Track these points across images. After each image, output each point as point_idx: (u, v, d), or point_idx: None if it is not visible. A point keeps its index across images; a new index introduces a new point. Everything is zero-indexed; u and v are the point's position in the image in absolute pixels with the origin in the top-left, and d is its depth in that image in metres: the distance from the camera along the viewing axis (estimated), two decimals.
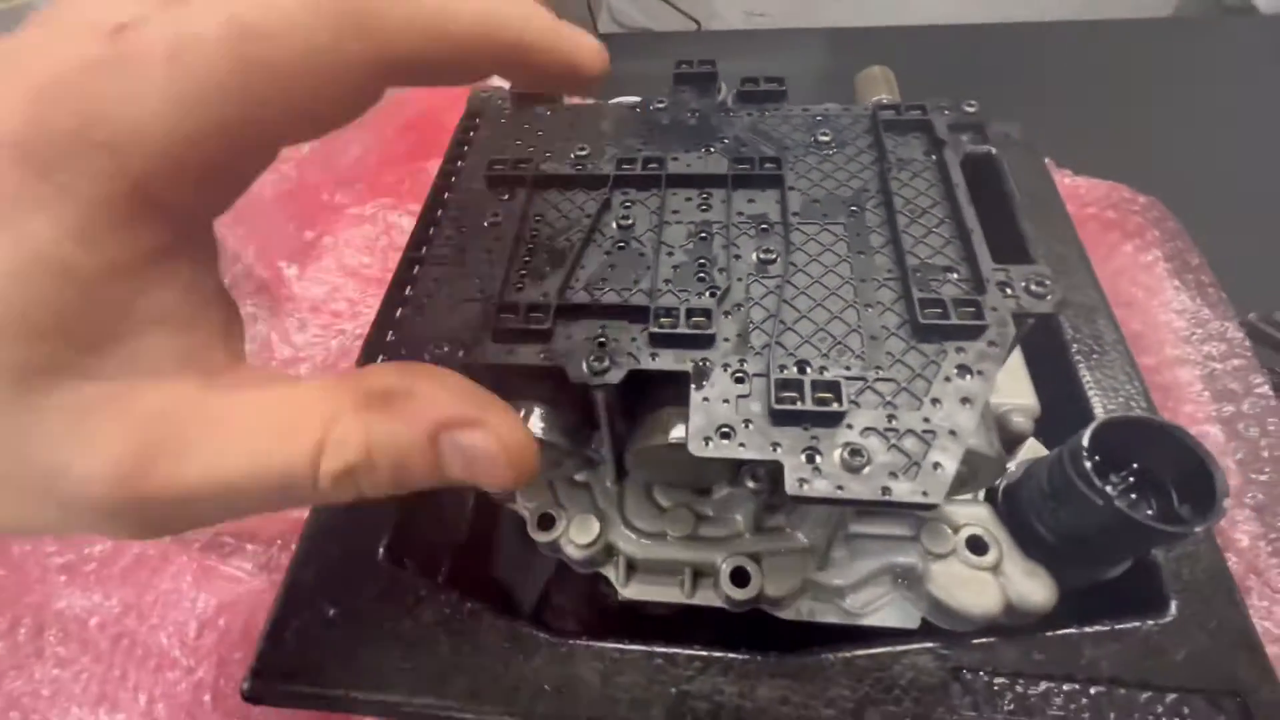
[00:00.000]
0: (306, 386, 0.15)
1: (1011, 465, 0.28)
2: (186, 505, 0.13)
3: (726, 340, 0.23)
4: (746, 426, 0.21)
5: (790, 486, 0.20)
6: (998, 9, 0.74)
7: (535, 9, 0.15)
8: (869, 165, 0.29)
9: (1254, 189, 0.51)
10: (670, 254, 0.26)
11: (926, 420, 0.21)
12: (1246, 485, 0.38)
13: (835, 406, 0.21)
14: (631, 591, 0.27)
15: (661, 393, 0.24)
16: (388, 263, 0.50)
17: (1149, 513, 0.23)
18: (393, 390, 0.15)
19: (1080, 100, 0.61)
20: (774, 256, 0.25)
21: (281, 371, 0.14)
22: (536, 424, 0.24)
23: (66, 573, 0.36)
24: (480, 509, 0.37)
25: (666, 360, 0.23)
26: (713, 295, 0.24)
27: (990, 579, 0.24)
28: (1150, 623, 0.25)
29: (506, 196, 0.29)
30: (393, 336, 0.25)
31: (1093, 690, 0.24)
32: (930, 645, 0.25)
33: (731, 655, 0.25)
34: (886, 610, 0.26)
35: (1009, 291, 0.23)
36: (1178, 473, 0.23)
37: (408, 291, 0.26)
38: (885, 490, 0.19)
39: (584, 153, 0.30)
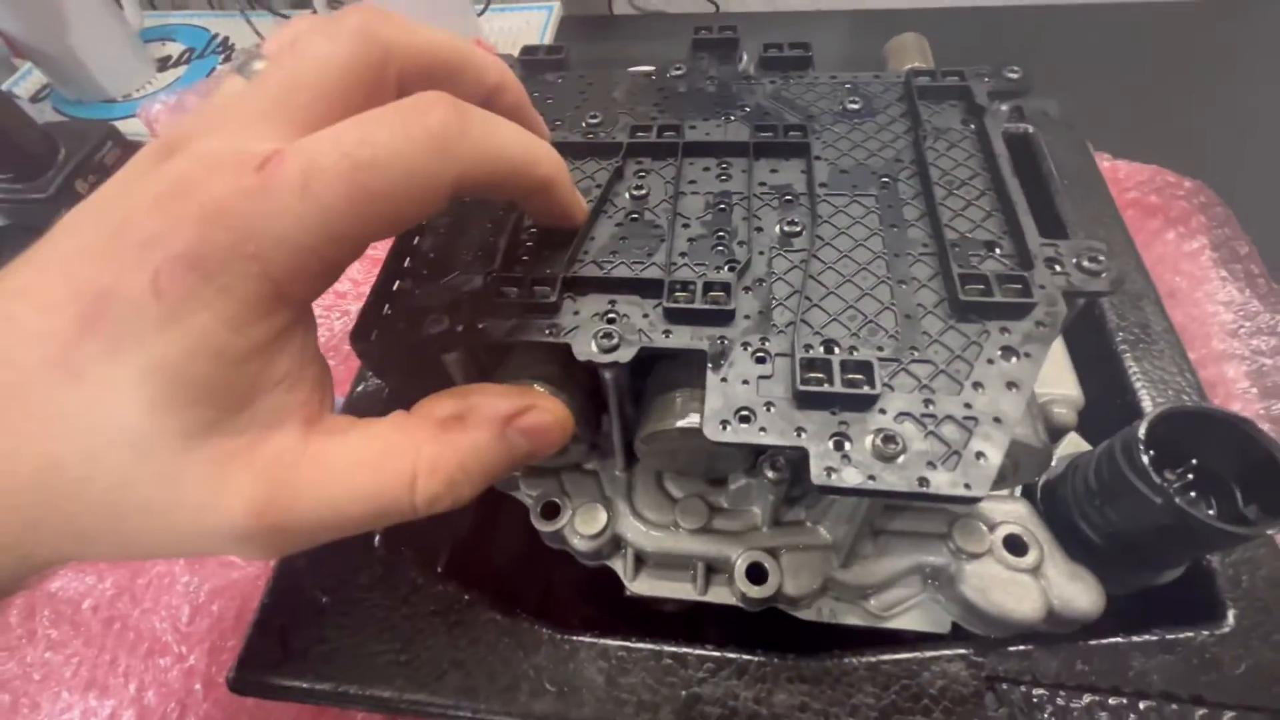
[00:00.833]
0: (382, 427, 0.18)
1: (1052, 460, 0.26)
2: (303, 532, 0.16)
3: (747, 317, 0.21)
4: (768, 410, 0.19)
5: (817, 476, 0.18)
6: None
7: (559, 159, 0.20)
8: (902, 134, 0.26)
9: None
10: (686, 226, 0.24)
11: (968, 405, 0.19)
12: None
13: (867, 389, 0.19)
14: (640, 587, 0.26)
15: (675, 374, 0.22)
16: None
17: (1210, 513, 0.21)
18: (456, 412, 0.18)
19: (1122, 83, 0.58)
20: (799, 229, 0.23)
21: (355, 418, 0.18)
22: None
23: None
24: (484, 497, 0.35)
25: (681, 338, 0.21)
26: (732, 269, 0.22)
27: (1030, 581, 0.22)
28: (1205, 633, 0.23)
29: None
30: (389, 310, 0.23)
31: (1142, 705, 0.22)
32: (963, 651, 0.23)
33: (747, 656, 0.23)
34: (914, 613, 0.24)
35: (1059, 269, 0.21)
36: (1242, 469, 0.21)
37: (406, 263, 0.25)
38: (923, 481, 0.17)
39: (596, 120, 0.28)
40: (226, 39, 0.78)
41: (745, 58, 0.32)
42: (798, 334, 0.21)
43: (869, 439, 0.18)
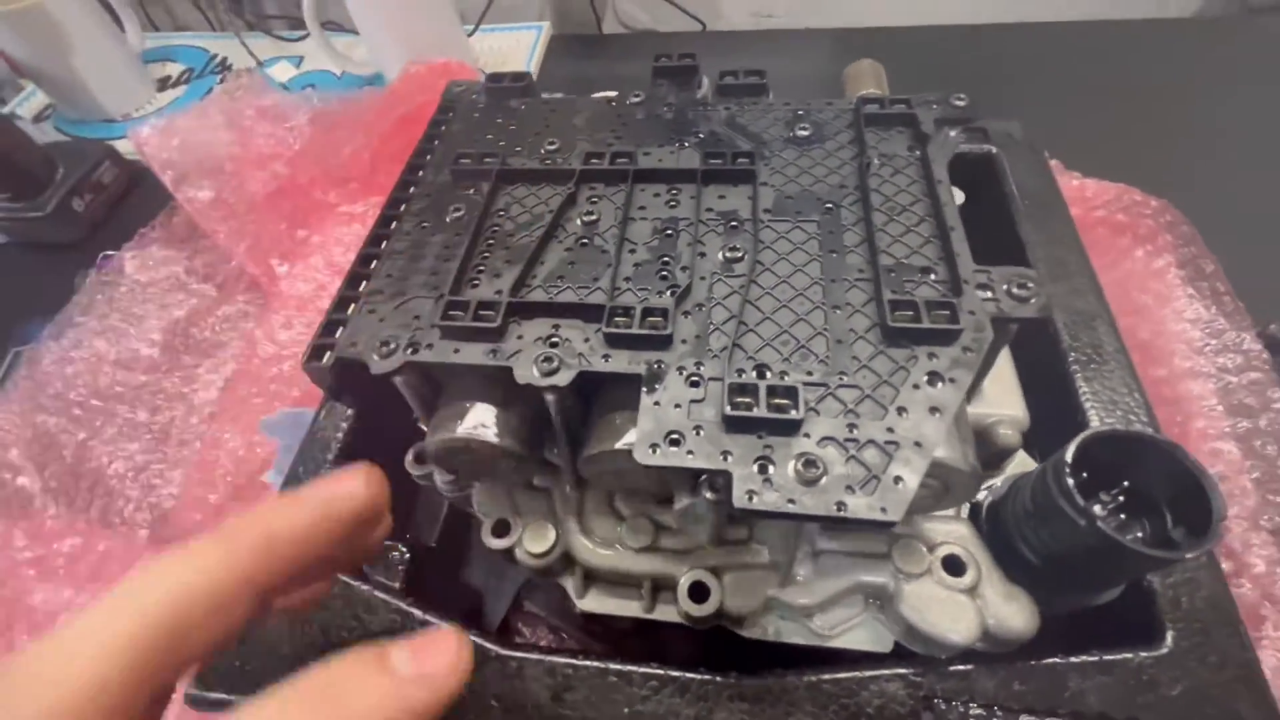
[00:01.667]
0: None
1: (998, 481, 0.27)
2: None
3: (684, 342, 0.22)
4: (697, 433, 0.20)
5: (738, 499, 0.18)
6: (1014, 9, 0.71)
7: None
8: (849, 161, 0.27)
9: (1274, 194, 0.49)
10: (633, 251, 0.25)
11: (890, 430, 0.19)
12: (1263, 506, 0.35)
13: (792, 414, 0.19)
14: (590, 604, 0.26)
15: (617, 396, 0.23)
16: None
17: (1139, 535, 0.21)
18: None
19: (1097, 104, 0.58)
20: (741, 255, 0.24)
21: None
22: (489, 427, 0.23)
23: (36, 567, 0.36)
24: (453, 516, 0.36)
25: (619, 362, 0.22)
26: (673, 294, 0.23)
27: (967, 601, 0.23)
28: (1144, 654, 0.23)
29: (471, 190, 0.28)
30: (341, 333, 0.24)
31: None
32: (901, 671, 0.23)
33: (690, 675, 0.24)
34: (857, 632, 0.25)
35: (990, 294, 0.22)
36: (1172, 493, 0.21)
37: (361, 287, 0.25)
38: (840, 505, 0.18)
39: (554, 147, 0.29)
40: (225, 59, 0.80)
41: (705, 84, 0.33)
42: (731, 359, 0.21)
43: (791, 463, 0.19)
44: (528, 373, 0.21)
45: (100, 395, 0.48)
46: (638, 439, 0.20)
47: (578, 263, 0.25)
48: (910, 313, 0.21)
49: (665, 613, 0.25)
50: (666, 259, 0.24)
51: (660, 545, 0.25)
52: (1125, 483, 0.22)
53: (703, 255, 0.24)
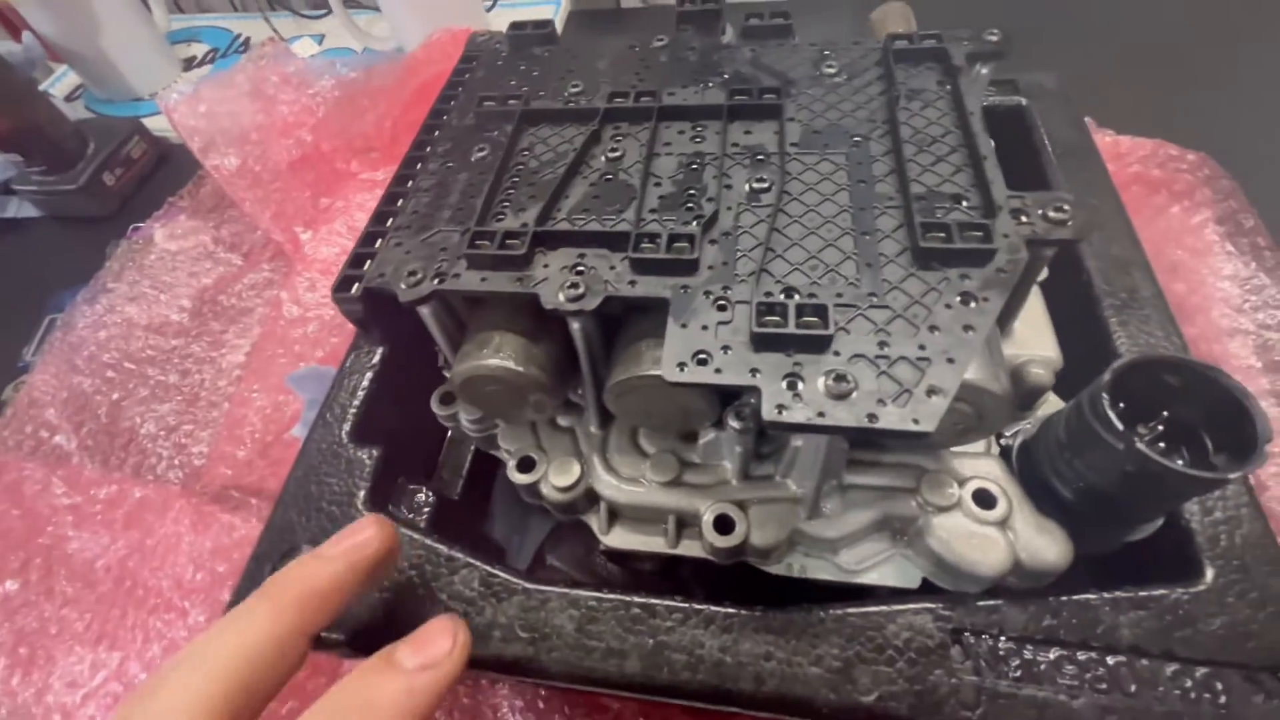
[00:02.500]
0: None
1: (1028, 424, 0.26)
2: None
3: (710, 267, 0.22)
4: (725, 352, 0.20)
5: (767, 413, 0.18)
6: None
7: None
8: (877, 96, 0.27)
9: None
10: (658, 185, 0.25)
11: (922, 347, 0.19)
12: None
13: (821, 331, 0.19)
14: (614, 539, 0.26)
15: (644, 326, 0.23)
16: None
17: (1179, 462, 0.21)
18: None
19: (1132, 56, 0.56)
20: (768, 185, 0.24)
21: None
22: (515, 355, 0.23)
23: (73, 513, 0.37)
24: (476, 467, 0.36)
25: (646, 287, 0.21)
26: (699, 223, 0.23)
27: (997, 534, 0.22)
28: (1180, 590, 0.22)
29: (495, 132, 0.28)
30: (370, 266, 0.24)
31: (1110, 660, 0.21)
32: (929, 605, 0.23)
33: (714, 608, 0.24)
34: (884, 568, 0.24)
35: (1024, 219, 0.21)
36: (1213, 418, 0.20)
37: (389, 222, 0.26)
38: (872, 417, 0.18)
39: (578, 89, 0.29)
40: (249, 39, 0.81)
41: (729, 29, 0.32)
42: (759, 282, 0.21)
43: (821, 379, 0.18)
44: (554, 298, 0.21)
45: (132, 359, 0.49)
46: (665, 359, 0.20)
47: (602, 196, 0.25)
48: (942, 234, 0.21)
49: (689, 548, 0.25)
50: (692, 191, 0.24)
51: (685, 480, 0.25)
52: (1164, 413, 0.22)
53: (729, 187, 0.24)
